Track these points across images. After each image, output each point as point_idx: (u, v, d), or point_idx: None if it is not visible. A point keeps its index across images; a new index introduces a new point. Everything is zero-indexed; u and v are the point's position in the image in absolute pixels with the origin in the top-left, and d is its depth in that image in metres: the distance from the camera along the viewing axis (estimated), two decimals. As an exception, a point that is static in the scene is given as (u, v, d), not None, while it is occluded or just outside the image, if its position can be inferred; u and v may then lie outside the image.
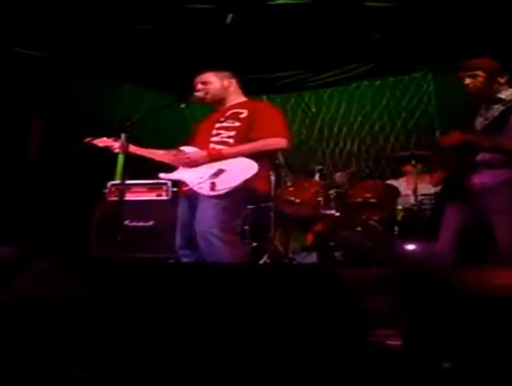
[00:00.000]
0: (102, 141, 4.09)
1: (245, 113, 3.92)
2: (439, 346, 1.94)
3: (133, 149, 3.94)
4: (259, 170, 3.75)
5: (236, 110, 3.97)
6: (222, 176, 3.71)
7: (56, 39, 6.15)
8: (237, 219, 3.86)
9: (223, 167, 3.74)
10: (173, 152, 4.07)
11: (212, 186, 3.68)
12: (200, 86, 4.05)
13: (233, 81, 4.12)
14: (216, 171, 3.74)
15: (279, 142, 3.86)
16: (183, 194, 4.02)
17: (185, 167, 3.88)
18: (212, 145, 3.89)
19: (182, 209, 4.00)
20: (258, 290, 2.14)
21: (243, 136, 3.85)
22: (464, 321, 1.94)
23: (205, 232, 3.67)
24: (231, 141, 3.86)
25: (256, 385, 1.93)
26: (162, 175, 4.00)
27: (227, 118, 3.94)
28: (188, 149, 3.94)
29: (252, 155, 3.76)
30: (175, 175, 3.97)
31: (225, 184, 3.67)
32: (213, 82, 4.05)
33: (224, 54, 6.35)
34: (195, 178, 3.80)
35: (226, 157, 3.78)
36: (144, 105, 6.97)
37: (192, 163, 3.83)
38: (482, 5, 5.61)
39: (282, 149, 3.94)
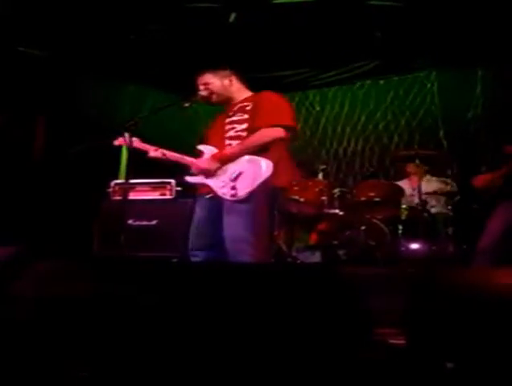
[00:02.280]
0: (120, 140, 4.03)
1: (250, 105, 3.91)
2: (442, 345, 1.94)
3: (152, 152, 3.94)
4: (277, 165, 3.73)
5: (242, 104, 3.97)
6: (240, 179, 3.71)
7: (60, 39, 6.15)
8: (266, 221, 3.78)
9: (240, 169, 3.74)
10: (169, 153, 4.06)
11: (234, 192, 3.69)
12: (201, 87, 4.04)
13: (233, 78, 4.08)
14: (234, 174, 3.74)
15: (274, 132, 3.77)
16: (203, 193, 3.99)
17: (206, 176, 3.86)
18: (227, 141, 3.88)
19: (201, 208, 3.98)
20: (262, 289, 2.14)
21: (253, 128, 3.83)
22: (466, 321, 1.94)
23: (236, 239, 3.67)
24: (244, 134, 3.84)
25: (259, 383, 1.93)
26: (188, 178, 3.98)
27: (235, 112, 3.94)
28: (205, 149, 3.94)
29: (258, 150, 3.74)
30: (198, 179, 3.93)
31: (245, 187, 3.67)
32: (213, 82, 4.03)
33: (227, 53, 6.35)
34: (217, 182, 3.80)
35: (231, 157, 3.78)
36: (147, 105, 6.97)
37: (206, 172, 3.83)
38: (486, 3, 5.60)
39: (281, 138, 3.78)
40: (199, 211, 3.98)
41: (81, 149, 3.86)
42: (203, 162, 3.85)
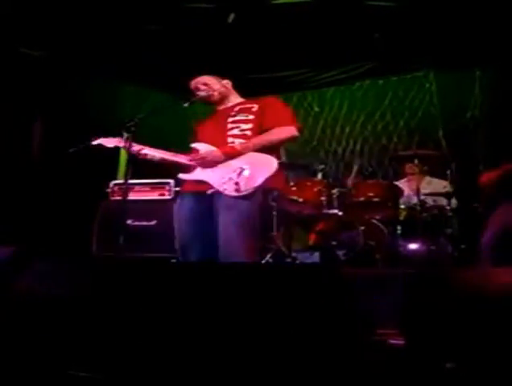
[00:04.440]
0: (110, 141, 4.03)
1: (255, 107, 3.96)
2: (441, 345, 1.94)
3: (145, 150, 3.93)
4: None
5: (245, 106, 4.03)
6: (244, 175, 3.69)
7: (58, 39, 6.15)
8: (259, 222, 3.79)
9: (243, 165, 3.72)
10: (163, 151, 4.05)
11: (237, 187, 3.65)
12: (202, 87, 4.08)
13: (229, 82, 4.19)
14: (237, 170, 3.72)
15: (291, 130, 3.88)
16: (188, 191, 3.99)
17: (203, 168, 3.87)
18: (230, 139, 3.88)
19: (186, 207, 3.97)
20: (261, 289, 2.14)
21: (258, 128, 3.87)
22: (466, 321, 1.94)
23: (232, 237, 3.66)
24: (249, 133, 3.87)
25: (257, 383, 1.93)
26: (181, 176, 3.98)
27: (238, 112, 3.98)
28: (201, 147, 3.94)
29: (267, 148, 3.78)
30: (195, 176, 3.92)
31: (249, 184, 3.65)
32: (214, 82, 4.12)
33: (226, 53, 6.35)
34: (217, 177, 3.77)
35: (241, 152, 3.77)
36: (146, 105, 6.96)
37: (209, 164, 3.82)
38: (483, 4, 5.60)
39: (294, 138, 3.93)
40: (183, 209, 3.96)
41: (79, 149, 3.84)
42: (208, 154, 3.83)
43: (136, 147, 3.86)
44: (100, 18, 5.88)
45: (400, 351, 1.98)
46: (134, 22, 6.06)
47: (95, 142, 4.06)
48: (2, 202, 5.73)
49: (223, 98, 4.12)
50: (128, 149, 3.74)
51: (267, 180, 3.68)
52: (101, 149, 4.07)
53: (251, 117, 3.93)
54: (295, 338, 1.97)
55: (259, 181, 3.66)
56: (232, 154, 3.79)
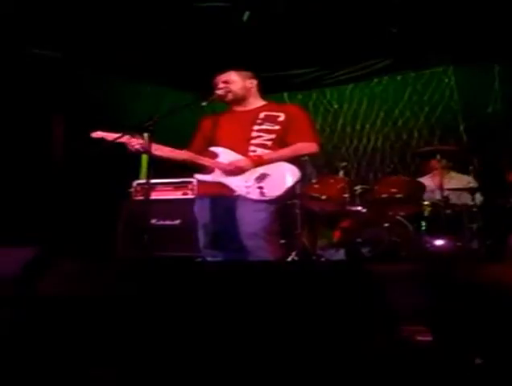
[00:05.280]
0: (111, 136, 3.94)
1: (282, 117, 3.98)
2: (469, 341, 1.94)
3: (161, 150, 3.91)
4: None
5: (271, 113, 4.02)
6: (267, 181, 3.78)
7: (75, 40, 6.18)
8: (277, 221, 3.92)
9: (266, 171, 3.81)
10: (185, 152, 4.06)
11: (262, 192, 3.75)
12: (222, 85, 4.06)
13: (255, 82, 4.15)
14: (259, 175, 3.80)
15: (313, 147, 3.97)
16: (205, 194, 4.01)
17: (228, 175, 3.88)
18: (252, 148, 3.92)
19: (203, 209, 4.00)
20: (288, 287, 2.16)
21: (281, 139, 3.93)
22: (493, 317, 1.94)
23: (254, 234, 3.73)
24: (269, 143, 3.91)
25: (288, 377, 1.95)
26: (199, 176, 4.01)
27: (264, 121, 3.98)
28: (221, 151, 3.95)
29: (288, 159, 3.88)
30: (215, 177, 3.94)
31: (274, 190, 3.76)
32: (236, 81, 4.07)
33: (243, 52, 6.35)
34: (240, 182, 3.82)
35: (267, 163, 3.84)
36: (164, 104, 6.97)
37: (238, 171, 3.84)
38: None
39: (314, 154, 4.08)
40: (201, 211, 4.02)
41: (100, 150, 3.85)
42: (239, 162, 3.86)
43: (155, 147, 3.79)
44: (116, 18, 5.90)
45: (428, 347, 1.98)
46: (151, 21, 6.07)
47: (94, 134, 4.05)
48: (26, 203, 5.78)
49: (239, 100, 4.08)
50: (146, 149, 3.72)
51: (291, 188, 3.84)
52: (123, 149, 4.09)
53: (277, 127, 3.95)
54: (324, 334, 1.98)
55: (283, 188, 3.78)
56: (258, 164, 3.85)
